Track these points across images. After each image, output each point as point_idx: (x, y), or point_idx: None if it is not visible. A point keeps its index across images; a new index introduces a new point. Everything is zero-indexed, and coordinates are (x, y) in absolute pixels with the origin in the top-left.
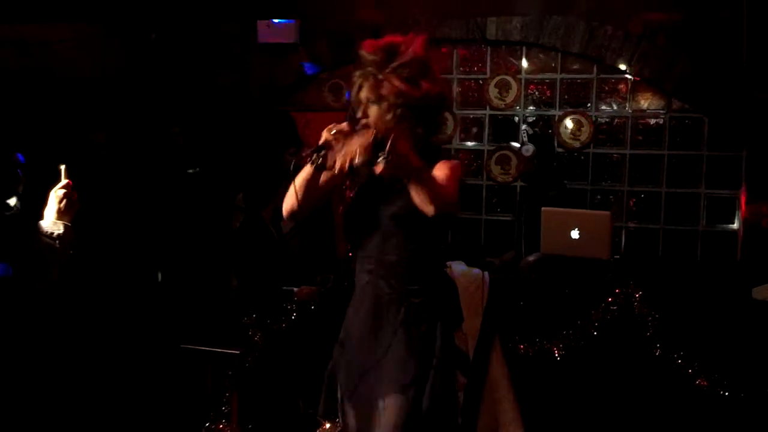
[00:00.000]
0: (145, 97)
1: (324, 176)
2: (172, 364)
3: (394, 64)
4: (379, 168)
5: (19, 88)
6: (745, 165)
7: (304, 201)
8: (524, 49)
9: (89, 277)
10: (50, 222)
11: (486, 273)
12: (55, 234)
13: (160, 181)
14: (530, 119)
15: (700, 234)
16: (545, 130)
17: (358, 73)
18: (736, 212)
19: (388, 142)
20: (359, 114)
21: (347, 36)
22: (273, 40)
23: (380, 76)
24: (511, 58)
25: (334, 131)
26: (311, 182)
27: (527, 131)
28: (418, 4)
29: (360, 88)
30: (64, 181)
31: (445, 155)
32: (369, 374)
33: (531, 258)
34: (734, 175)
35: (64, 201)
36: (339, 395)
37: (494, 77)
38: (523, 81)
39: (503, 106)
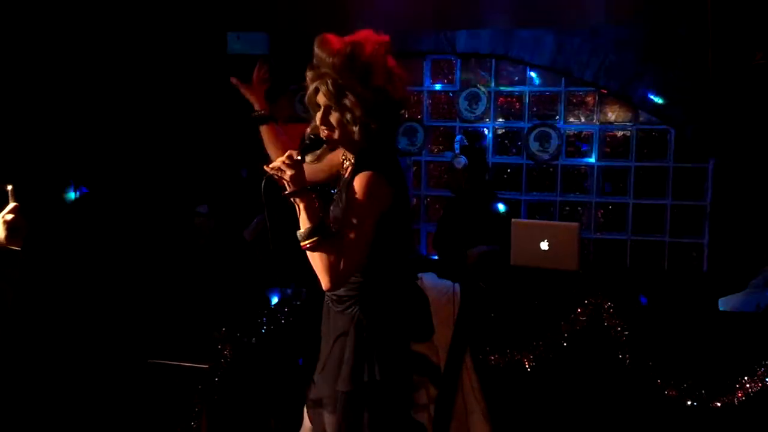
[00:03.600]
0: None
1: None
2: (139, 380)
3: (358, 71)
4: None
5: None
6: (711, 176)
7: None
8: (494, 61)
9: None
10: None
11: (457, 285)
12: (5, 260)
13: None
14: (499, 131)
15: (667, 245)
16: (480, 142)
17: (313, 73)
18: (703, 223)
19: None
20: (317, 118)
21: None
22: (242, 51)
23: (340, 81)
24: (481, 71)
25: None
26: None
27: (461, 142)
28: (388, 16)
29: (316, 91)
30: (12, 204)
31: (383, 162)
32: (314, 385)
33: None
34: (700, 186)
35: (13, 225)
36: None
37: (464, 89)
38: (492, 93)
39: (473, 118)
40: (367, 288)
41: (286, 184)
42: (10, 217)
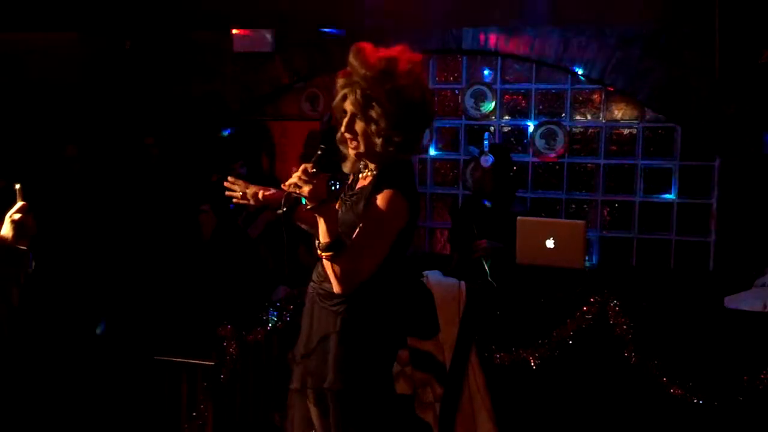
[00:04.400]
0: (119, 107)
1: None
2: (145, 376)
3: (389, 87)
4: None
5: None
6: (717, 174)
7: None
8: (500, 59)
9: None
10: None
11: (462, 282)
12: (12, 259)
13: (135, 191)
14: (505, 129)
15: (673, 243)
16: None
17: (344, 80)
18: (709, 221)
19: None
20: (342, 125)
21: (324, 45)
22: (249, 49)
23: (369, 93)
24: (487, 68)
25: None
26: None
27: (489, 140)
28: (394, 14)
29: (344, 98)
30: (19, 204)
31: (404, 178)
32: (296, 369)
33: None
34: (706, 184)
35: (20, 224)
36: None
37: (469, 87)
38: (498, 91)
39: (479, 116)
40: (358, 288)
41: (307, 200)
42: (17, 216)
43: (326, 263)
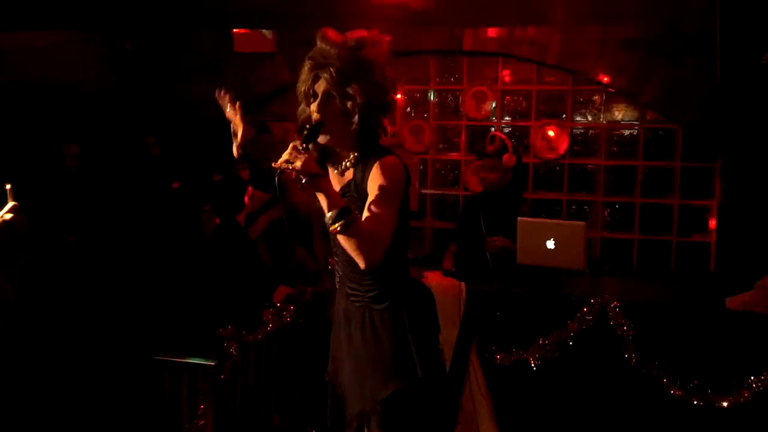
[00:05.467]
0: (120, 106)
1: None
2: (145, 377)
3: (361, 61)
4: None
5: None
6: (717, 176)
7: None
8: (501, 60)
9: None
10: None
11: (463, 283)
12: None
13: (135, 191)
14: (506, 130)
15: (673, 244)
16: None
17: (312, 62)
18: (710, 223)
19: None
20: (314, 107)
21: None
22: (249, 49)
23: (342, 69)
24: (488, 69)
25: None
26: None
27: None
28: (395, 14)
29: (315, 79)
30: (11, 204)
31: (382, 151)
32: (348, 387)
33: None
34: (707, 185)
35: (12, 224)
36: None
37: (471, 88)
38: (499, 92)
39: (480, 116)
40: (391, 283)
41: (300, 174)
42: (9, 216)
43: (343, 241)
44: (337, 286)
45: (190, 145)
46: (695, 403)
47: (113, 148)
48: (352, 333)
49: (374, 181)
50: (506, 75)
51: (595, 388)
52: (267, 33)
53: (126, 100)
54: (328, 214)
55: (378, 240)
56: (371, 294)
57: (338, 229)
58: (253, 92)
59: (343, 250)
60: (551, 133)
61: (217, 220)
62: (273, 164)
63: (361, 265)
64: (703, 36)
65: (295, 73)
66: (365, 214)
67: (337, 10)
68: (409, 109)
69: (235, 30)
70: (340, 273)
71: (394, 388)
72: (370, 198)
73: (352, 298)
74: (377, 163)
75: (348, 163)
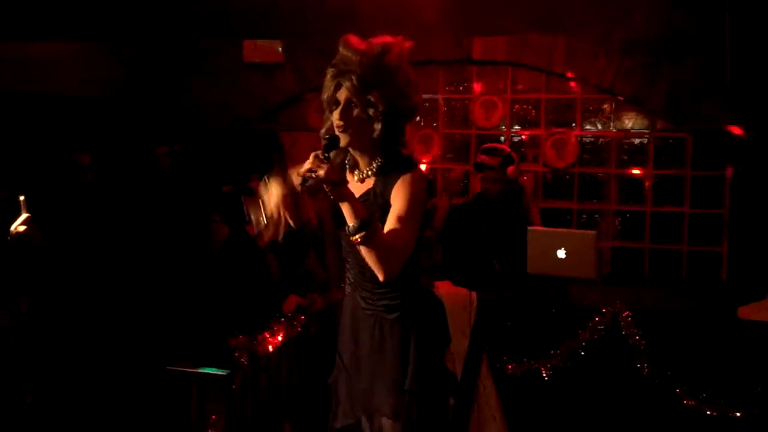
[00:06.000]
0: (132, 116)
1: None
2: (157, 386)
3: (385, 69)
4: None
5: None
6: (729, 183)
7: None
8: (510, 69)
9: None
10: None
11: (473, 293)
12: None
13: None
14: (515, 139)
15: (685, 253)
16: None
17: (335, 70)
18: (721, 231)
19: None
20: (336, 115)
21: (334, 55)
22: (259, 59)
23: (366, 78)
24: (497, 78)
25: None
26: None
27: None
28: (404, 23)
29: (337, 88)
30: (24, 216)
31: (409, 164)
32: (357, 393)
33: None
34: (718, 193)
35: (25, 236)
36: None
37: (480, 97)
38: (509, 101)
39: (489, 125)
40: (404, 293)
41: (323, 183)
42: (23, 228)
43: (364, 251)
44: (347, 293)
45: (199, 156)
46: (708, 413)
47: (123, 159)
48: (359, 339)
49: (400, 193)
50: (515, 83)
51: (607, 398)
52: (276, 44)
53: (136, 110)
54: (351, 224)
55: (398, 252)
56: (383, 303)
57: (360, 239)
58: (263, 103)
59: (356, 258)
60: (560, 142)
61: (227, 230)
62: (296, 173)
63: (380, 276)
64: (711, 40)
65: (304, 83)
66: (388, 225)
67: (343, 20)
68: (418, 118)
69: (245, 40)
70: (351, 280)
71: (398, 397)
72: (394, 210)
73: (362, 306)
74: (405, 175)
75: (369, 172)
